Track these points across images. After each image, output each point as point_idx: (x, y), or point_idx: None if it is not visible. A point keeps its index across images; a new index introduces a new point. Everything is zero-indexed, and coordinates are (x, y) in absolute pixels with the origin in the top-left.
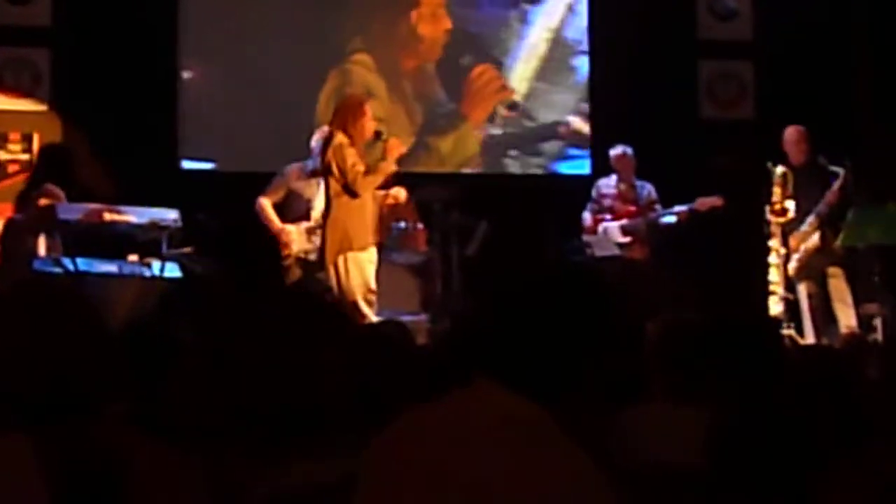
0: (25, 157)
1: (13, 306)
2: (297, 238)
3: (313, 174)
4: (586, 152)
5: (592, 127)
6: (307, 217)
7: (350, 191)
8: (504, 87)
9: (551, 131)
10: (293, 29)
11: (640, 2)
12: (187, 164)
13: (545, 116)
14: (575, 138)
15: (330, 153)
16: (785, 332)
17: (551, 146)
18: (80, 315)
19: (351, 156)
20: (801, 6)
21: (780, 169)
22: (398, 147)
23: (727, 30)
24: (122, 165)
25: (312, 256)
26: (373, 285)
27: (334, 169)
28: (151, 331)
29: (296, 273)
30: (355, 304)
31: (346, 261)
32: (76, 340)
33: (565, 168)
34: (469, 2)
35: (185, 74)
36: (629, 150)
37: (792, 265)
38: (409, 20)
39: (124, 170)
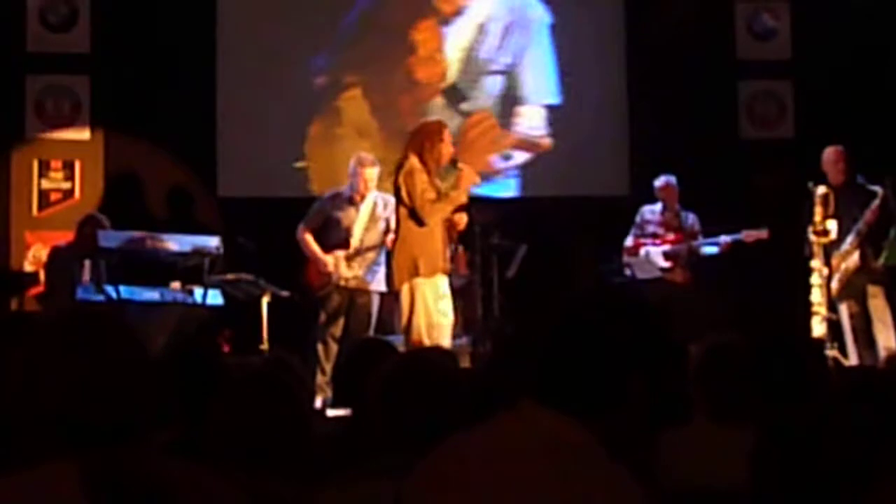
0: (67, 185)
1: (57, 333)
2: (336, 266)
3: (350, 201)
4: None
5: (632, 147)
6: (346, 244)
7: (417, 218)
8: (500, 137)
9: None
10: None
11: (678, 22)
12: (226, 192)
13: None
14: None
15: (401, 178)
16: (829, 352)
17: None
18: (123, 342)
19: (421, 182)
20: (840, 25)
21: (821, 189)
22: (472, 177)
23: (766, 49)
24: (164, 193)
25: (353, 283)
26: (439, 312)
27: (403, 194)
28: (194, 357)
29: (336, 300)
30: (419, 331)
31: (412, 287)
32: (119, 367)
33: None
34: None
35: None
36: (672, 180)
37: (833, 285)
38: (407, 64)
39: (166, 197)
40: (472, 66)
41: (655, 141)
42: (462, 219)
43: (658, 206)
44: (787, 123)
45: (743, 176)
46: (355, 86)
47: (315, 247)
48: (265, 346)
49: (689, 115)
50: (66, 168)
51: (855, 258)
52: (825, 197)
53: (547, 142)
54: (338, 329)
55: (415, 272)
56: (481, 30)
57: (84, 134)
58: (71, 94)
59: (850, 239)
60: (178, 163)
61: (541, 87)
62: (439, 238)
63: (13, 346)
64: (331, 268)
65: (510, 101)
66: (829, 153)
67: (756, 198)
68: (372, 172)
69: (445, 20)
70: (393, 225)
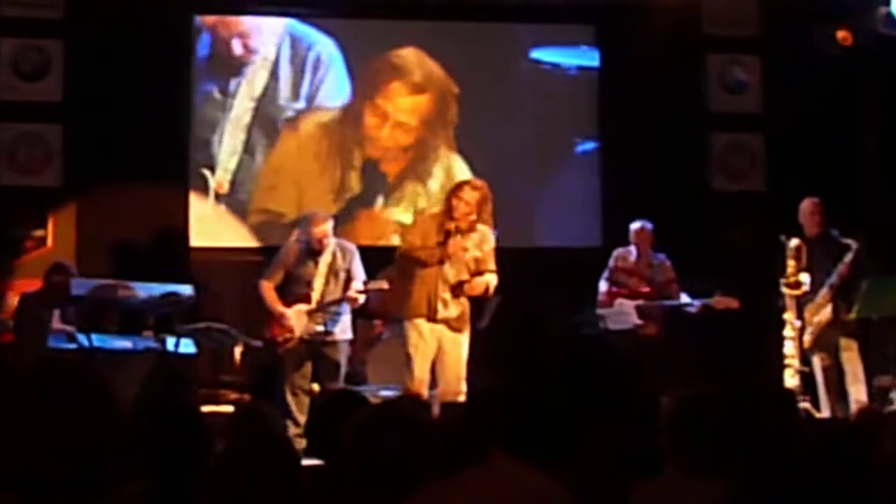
0: (39, 232)
1: (28, 386)
2: (297, 322)
3: (309, 254)
4: None
5: (604, 198)
6: (308, 298)
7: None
8: None
9: None
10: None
11: (651, 75)
12: (197, 242)
13: None
14: None
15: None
16: (801, 405)
17: None
18: (94, 395)
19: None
20: (811, 78)
21: (793, 242)
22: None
23: (737, 102)
24: (135, 241)
25: (317, 337)
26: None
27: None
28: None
29: (301, 353)
30: None
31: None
32: (89, 421)
33: None
34: None
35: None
36: (648, 225)
37: (806, 337)
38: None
39: (137, 246)
40: None
41: (627, 192)
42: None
43: (632, 251)
44: (758, 176)
45: (714, 228)
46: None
47: (276, 302)
48: (237, 395)
49: (660, 166)
50: (38, 216)
51: (828, 311)
52: (797, 249)
53: None
54: (306, 381)
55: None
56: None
57: (56, 182)
58: (43, 142)
59: (823, 292)
60: (150, 211)
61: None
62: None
63: None
64: (292, 322)
65: None
66: (806, 205)
67: (727, 250)
68: (324, 228)
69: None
70: (356, 274)
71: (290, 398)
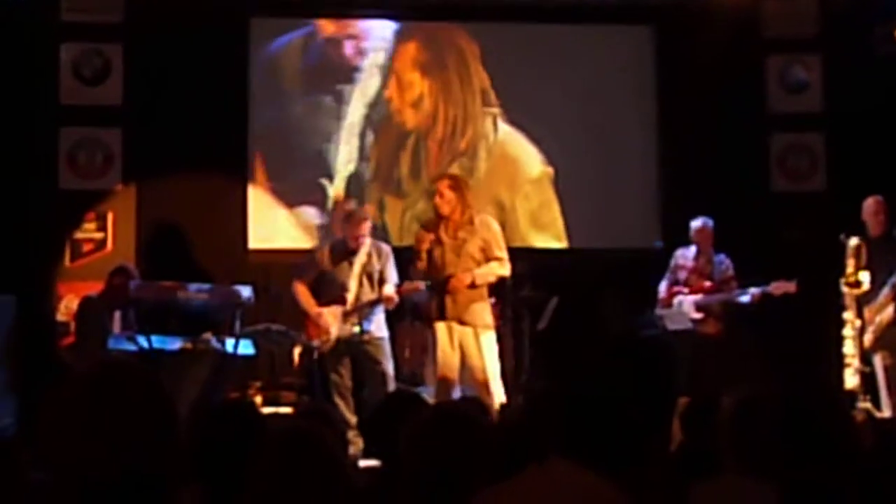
0: (100, 235)
1: (86, 388)
2: (334, 322)
3: (343, 254)
4: None
5: (663, 199)
6: (342, 300)
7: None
8: None
9: None
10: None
11: (711, 75)
12: (257, 244)
13: None
14: None
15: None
16: (861, 405)
17: None
18: (151, 397)
19: None
20: (871, 77)
21: (853, 241)
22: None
23: (798, 102)
24: (195, 244)
25: (366, 338)
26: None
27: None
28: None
29: (340, 354)
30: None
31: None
32: (147, 423)
33: None
34: None
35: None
36: (710, 223)
37: (867, 337)
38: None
39: (197, 248)
40: None
41: (687, 194)
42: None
43: (692, 250)
44: (818, 176)
45: (774, 229)
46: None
47: (311, 302)
48: (296, 396)
49: (720, 167)
50: (99, 219)
51: (890, 310)
52: (857, 249)
53: None
54: (350, 380)
55: None
56: None
57: (116, 185)
58: (103, 146)
59: (885, 291)
60: (209, 213)
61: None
62: None
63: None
64: (328, 322)
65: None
66: (870, 204)
67: (787, 251)
68: (363, 227)
69: None
70: (389, 276)
71: (338, 400)
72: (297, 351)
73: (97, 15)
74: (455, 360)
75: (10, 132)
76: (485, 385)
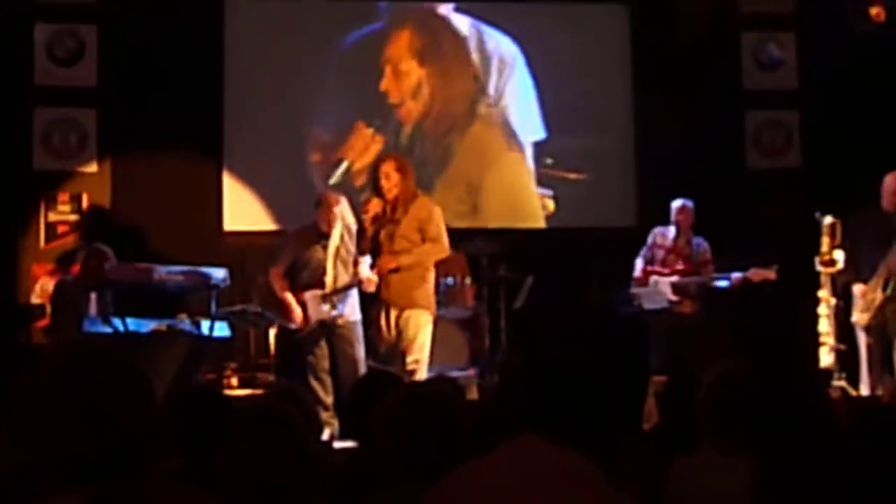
0: (74, 217)
1: (62, 367)
2: (312, 306)
3: (317, 237)
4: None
5: (638, 178)
6: (319, 283)
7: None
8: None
9: None
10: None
11: (686, 53)
12: (232, 225)
13: None
14: None
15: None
16: (836, 383)
17: None
18: (125, 376)
19: None
20: (845, 54)
21: (828, 219)
22: None
23: (773, 79)
24: (170, 225)
25: (340, 321)
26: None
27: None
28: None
29: (318, 336)
30: None
31: None
32: (124, 400)
33: None
34: None
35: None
36: (689, 204)
37: (861, 315)
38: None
39: (172, 229)
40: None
41: (662, 171)
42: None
43: (671, 230)
44: (794, 153)
45: (750, 206)
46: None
47: (283, 289)
48: (272, 377)
49: (696, 145)
50: (73, 201)
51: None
52: (832, 227)
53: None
54: (326, 362)
55: None
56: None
57: (91, 167)
58: (78, 126)
59: (880, 270)
60: (184, 195)
61: (529, 122)
62: None
63: (19, 380)
64: (297, 310)
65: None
66: (889, 180)
67: (763, 228)
68: (334, 209)
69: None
70: (366, 259)
71: (313, 382)
72: (272, 332)
73: None
74: (392, 340)
75: None
76: (415, 360)
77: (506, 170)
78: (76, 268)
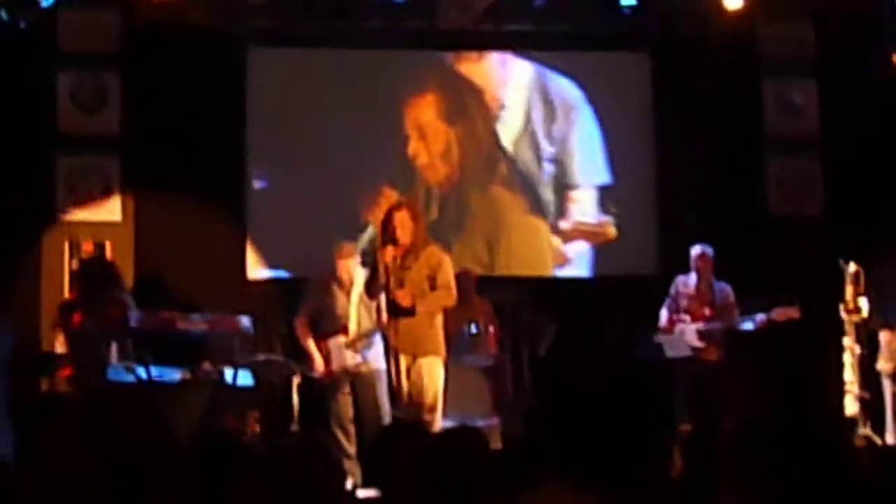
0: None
1: (85, 419)
2: (335, 354)
3: (339, 286)
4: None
5: (660, 225)
6: (344, 330)
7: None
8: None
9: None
10: (355, 137)
11: (708, 99)
12: (256, 273)
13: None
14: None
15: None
16: (861, 431)
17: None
18: (153, 429)
19: None
20: (867, 101)
21: (852, 266)
22: None
23: (794, 126)
24: (194, 273)
25: (354, 368)
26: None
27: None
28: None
29: (343, 385)
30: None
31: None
32: (147, 455)
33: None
34: None
35: (256, 184)
36: (709, 250)
37: (886, 363)
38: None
39: (196, 278)
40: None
41: (684, 218)
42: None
43: (692, 278)
44: (816, 199)
45: (773, 253)
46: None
47: (307, 338)
48: (296, 426)
49: (718, 191)
50: (97, 249)
51: None
52: (856, 275)
53: (612, 229)
54: (350, 410)
55: None
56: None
57: (115, 215)
58: (101, 174)
59: None
60: (208, 243)
61: (589, 168)
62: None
63: (43, 431)
64: (318, 360)
65: (561, 187)
66: None
67: (786, 274)
68: (350, 263)
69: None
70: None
71: (337, 431)
72: (295, 381)
73: (94, 44)
74: (405, 388)
75: (8, 161)
76: (429, 408)
77: (525, 231)
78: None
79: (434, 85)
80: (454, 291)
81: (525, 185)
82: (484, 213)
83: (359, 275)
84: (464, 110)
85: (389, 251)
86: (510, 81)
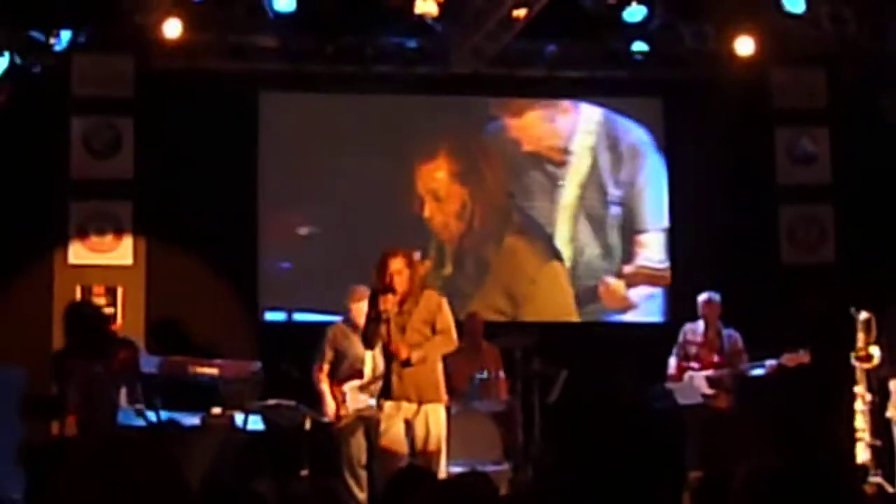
0: (110, 310)
1: (97, 464)
2: (351, 398)
3: (354, 330)
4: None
5: (672, 272)
6: (359, 374)
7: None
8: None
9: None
10: (367, 176)
11: (720, 147)
12: (269, 316)
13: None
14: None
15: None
16: (872, 479)
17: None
18: (165, 474)
19: None
20: (879, 148)
21: (863, 315)
22: None
23: (806, 174)
24: (205, 317)
25: (368, 412)
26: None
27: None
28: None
29: (356, 430)
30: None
31: None
32: (159, 499)
33: None
34: None
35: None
36: (716, 297)
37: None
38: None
39: (207, 322)
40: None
41: (696, 266)
42: None
43: (700, 325)
44: (828, 247)
45: (784, 300)
46: None
47: (326, 390)
48: (306, 472)
49: (729, 239)
50: (109, 293)
51: None
52: (867, 322)
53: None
54: (363, 456)
55: None
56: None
57: (126, 258)
58: (114, 219)
59: None
60: (220, 288)
61: (655, 211)
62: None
63: (54, 473)
64: (331, 413)
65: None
66: None
67: (798, 322)
68: (361, 305)
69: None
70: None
71: (348, 476)
72: (307, 426)
73: (108, 89)
74: (401, 434)
75: (21, 206)
76: (434, 454)
77: (545, 280)
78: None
79: (445, 148)
80: (454, 335)
81: (540, 232)
82: (501, 263)
83: None
84: (475, 169)
85: (388, 299)
86: (579, 127)
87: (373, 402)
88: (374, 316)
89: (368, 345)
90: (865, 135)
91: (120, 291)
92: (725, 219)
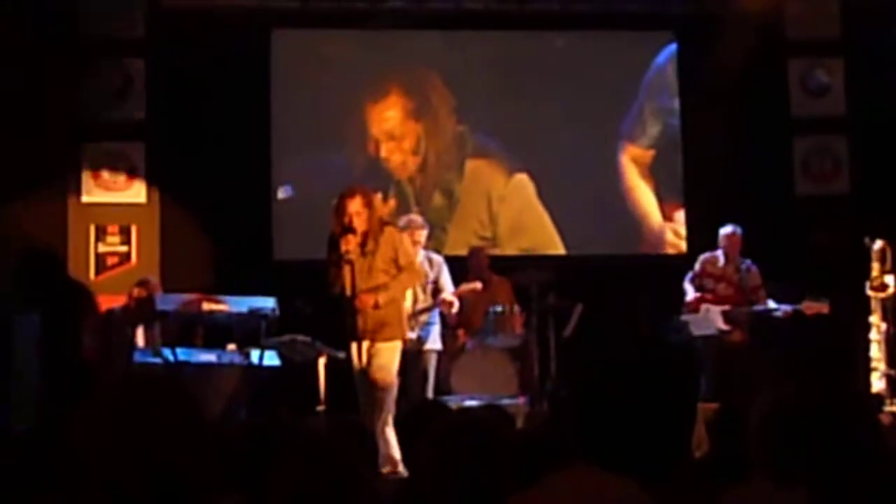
0: (124, 248)
1: (115, 401)
2: None
3: None
4: None
5: (687, 206)
6: None
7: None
8: None
9: None
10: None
11: (733, 80)
12: (282, 254)
13: None
14: None
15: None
16: (888, 408)
17: None
18: (182, 409)
19: None
20: (893, 78)
21: (878, 244)
22: None
23: (820, 105)
24: (219, 255)
25: (408, 345)
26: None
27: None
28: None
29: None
30: None
31: None
32: (178, 435)
33: None
34: None
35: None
36: (738, 230)
37: None
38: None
39: (220, 260)
40: None
41: (711, 199)
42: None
43: (720, 256)
44: (842, 179)
45: (799, 232)
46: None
47: None
48: (322, 407)
49: (744, 172)
50: (123, 233)
51: None
52: (882, 252)
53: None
54: None
55: None
56: None
57: (140, 198)
58: (126, 159)
59: None
60: (233, 225)
61: None
62: None
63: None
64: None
65: None
66: None
67: (813, 254)
68: (418, 235)
69: None
70: (444, 285)
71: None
72: (322, 362)
73: (119, 29)
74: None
75: (32, 147)
76: (381, 392)
77: (513, 194)
78: (123, 299)
79: (395, 85)
80: (418, 267)
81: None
82: (469, 192)
83: (420, 254)
84: (427, 105)
85: (349, 240)
86: None
87: (412, 335)
88: (336, 259)
89: (331, 288)
90: (880, 65)
91: (134, 230)
92: (739, 151)
